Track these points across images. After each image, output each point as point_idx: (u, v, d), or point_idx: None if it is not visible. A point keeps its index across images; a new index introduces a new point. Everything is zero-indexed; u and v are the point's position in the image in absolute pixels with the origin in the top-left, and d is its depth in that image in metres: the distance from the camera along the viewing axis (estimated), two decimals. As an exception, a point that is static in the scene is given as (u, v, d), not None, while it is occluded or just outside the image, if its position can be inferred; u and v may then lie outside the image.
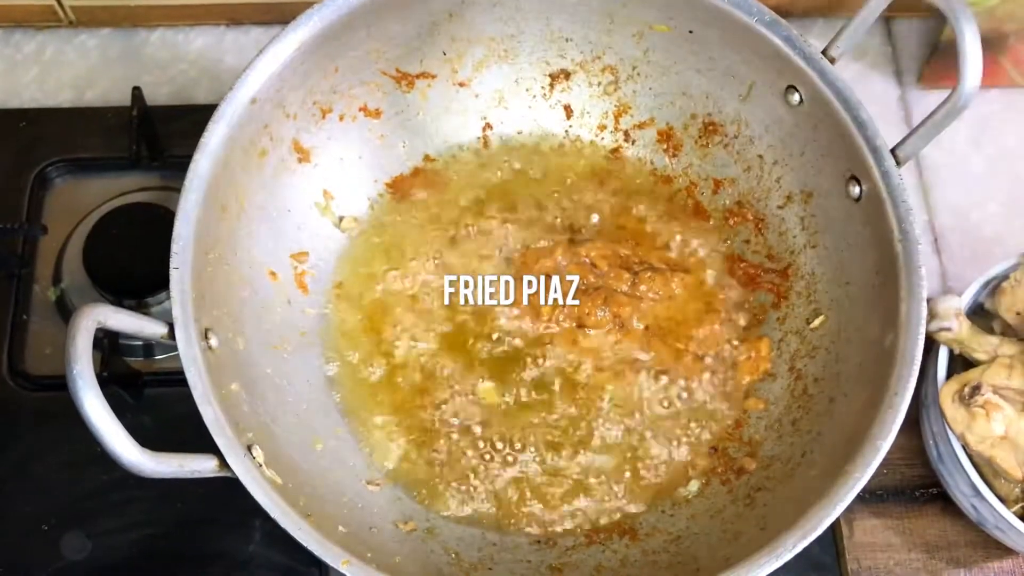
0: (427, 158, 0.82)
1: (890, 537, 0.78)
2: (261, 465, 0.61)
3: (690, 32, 0.77)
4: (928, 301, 0.66)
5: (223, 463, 0.59)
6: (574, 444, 0.74)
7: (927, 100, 0.94)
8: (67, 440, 0.77)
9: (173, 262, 0.63)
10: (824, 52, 0.71)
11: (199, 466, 0.58)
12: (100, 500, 0.77)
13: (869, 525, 0.79)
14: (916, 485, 0.80)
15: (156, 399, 0.80)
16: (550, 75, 0.83)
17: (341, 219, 0.79)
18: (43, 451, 0.78)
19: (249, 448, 0.61)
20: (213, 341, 0.64)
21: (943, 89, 0.93)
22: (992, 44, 0.89)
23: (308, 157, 0.77)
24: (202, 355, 0.62)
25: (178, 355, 0.61)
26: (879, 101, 0.94)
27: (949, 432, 0.72)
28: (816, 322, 0.74)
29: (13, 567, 0.75)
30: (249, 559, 0.76)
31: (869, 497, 0.79)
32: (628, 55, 0.81)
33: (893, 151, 0.68)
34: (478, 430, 0.74)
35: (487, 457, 0.73)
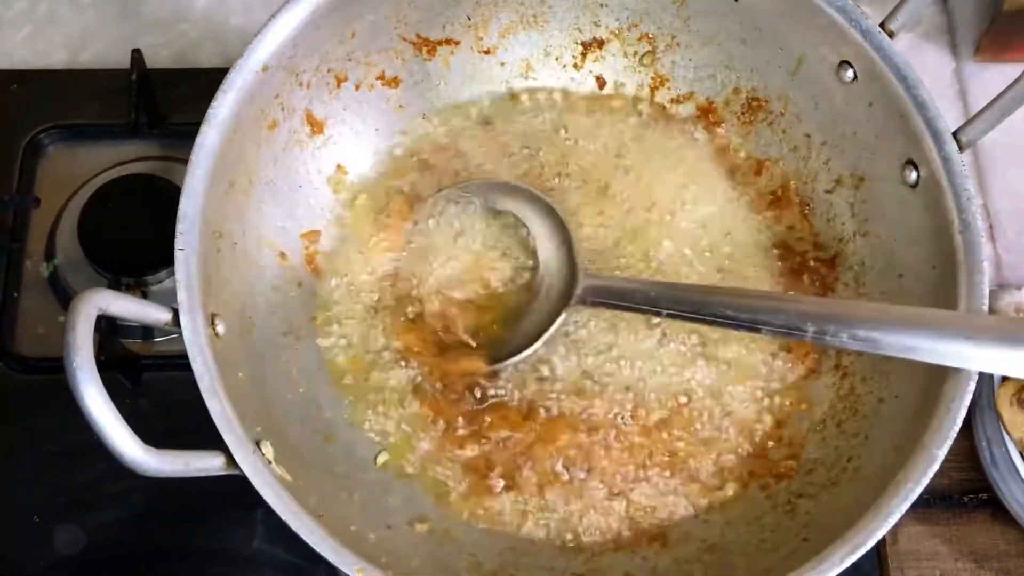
0: (448, 131, 0.81)
1: (936, 545, 0.77)
2: (271, 462, 0.60)
3: (736, -1, 0.75)
4: (986, 295, 0.65)
5: (231, 461, 0.58)
6: (603, 445, 0.72)
7: (984, 74, 0.92)
8: (61, 426, 0.76)
9: (178, 243, 0.62)
10: (882, 25, 0.69)
11: (205, 464, 0.58)
12: (95, 491, 0.76)
13: (914, 532, 0.78)
14: (965, 490, 0.79)
15: (155, 384, 0.80)
16: (582, 43, 0.82)
17: (356, 195, 0.78)
18: (35, 438, 0.78)
19: (258, 443, 0.60)
20: (220, 327, 0.63)
21: (1002, 63, 0.92)
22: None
23: (321, 129, 0.76)
24: (209, 344, 0.61)
25: (178, 336, 0.60)
26: (932, 74, 0.92)
27: (1005, 436, 0.71)
28: (865, 317, 0.73)
29: (2, 561, 0.75)
30: (252, 555, 0.76)
31: (915, 502, 0.78)
32: (667, 23, 0.79)
33: (955, 135, 0.67)
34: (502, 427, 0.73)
35: (513, 453, 0.72)
